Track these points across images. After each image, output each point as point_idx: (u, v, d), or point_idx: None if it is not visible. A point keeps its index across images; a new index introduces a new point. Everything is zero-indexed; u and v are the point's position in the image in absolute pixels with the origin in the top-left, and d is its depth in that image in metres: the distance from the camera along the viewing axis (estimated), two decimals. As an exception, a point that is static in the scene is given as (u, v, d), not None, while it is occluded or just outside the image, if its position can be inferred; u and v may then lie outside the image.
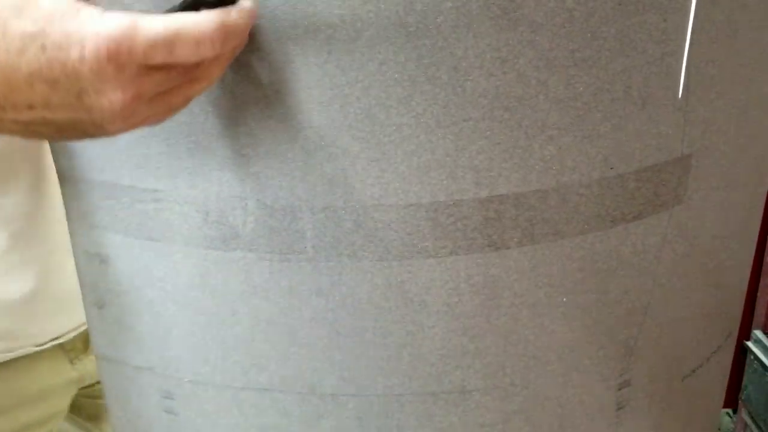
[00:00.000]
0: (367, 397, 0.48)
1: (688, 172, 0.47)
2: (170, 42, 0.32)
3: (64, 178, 0.52)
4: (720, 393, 0.70)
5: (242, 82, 0.40)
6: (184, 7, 0.34)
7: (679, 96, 0.44)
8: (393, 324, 0.45)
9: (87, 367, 0.83)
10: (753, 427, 1.27)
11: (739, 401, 1.34)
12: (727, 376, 0.72)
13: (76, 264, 0.57)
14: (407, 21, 0.37)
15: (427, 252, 0.43)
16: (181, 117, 0.42)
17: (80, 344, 0.82)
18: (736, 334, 0.67)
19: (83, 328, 0.81)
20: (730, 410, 1.48)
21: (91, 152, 0.48)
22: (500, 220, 0.42)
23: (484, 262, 0.44)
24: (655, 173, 0.45)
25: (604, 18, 0.39)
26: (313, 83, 0.39)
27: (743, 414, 1.32)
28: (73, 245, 0.56)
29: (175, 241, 0.47)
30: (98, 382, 0.84)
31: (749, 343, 1.28)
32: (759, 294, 1.29)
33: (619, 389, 0.53)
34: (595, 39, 0.39)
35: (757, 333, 1.28)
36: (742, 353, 1.29)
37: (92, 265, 0.54)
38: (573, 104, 0.40)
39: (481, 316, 0.45)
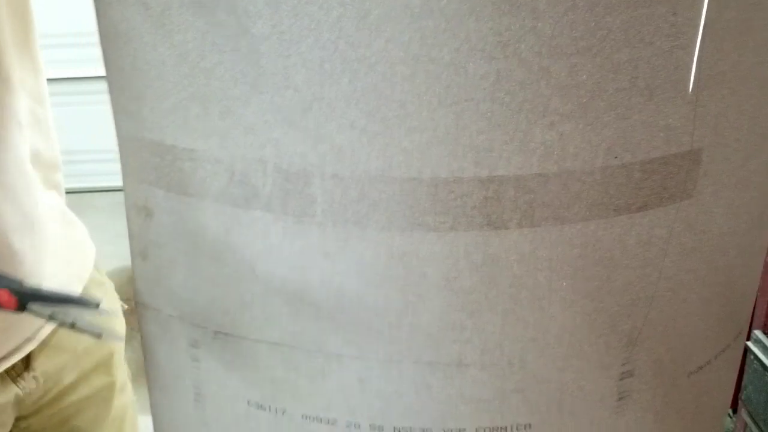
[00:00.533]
0: (368, 360, 0.51)
1: (698, 166, 0.47)
2: None
3: (121, 135, 0.57)
4: (728, 393, 0.69)
5: (265, 54, 0.43)
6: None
7: (690, 90, 0.44)
8: (394, 292, 0.48)
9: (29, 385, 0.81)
10: (753, 427, 1.24)
11: (739, 401, 1.30)
12: (735, 377, 0.70)
13: (127, 217, 0.63)
14: (412, 2, 0.39)
15: (427, 226, 0.45)
16: (215, 83, 0.46)
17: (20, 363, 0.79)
18: (745, 334, 0.66)
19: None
20: (730, 410, 1.45)
21: (144, 112, 0.53)
22: (499, 201, 0.44)
23: (483, 240, 0.45)
24: (662, 165, 0.46)
25: (609, 8, 0.40)
26: (325, 58, 0.42)
27: (743, 414, 1.29)
28: (126, 198, 0.62)
29: (206, 198, 0.51)
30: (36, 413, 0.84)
31: (749, 343, 1.25)
32: (759, 294, 1.25)
33: (621, 379, 0.53)
34: (599, 28, 0.40)
35: (757, 333, 1.25)
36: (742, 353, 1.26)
37: (139, 217, 0.59)
38: (576, 92, 0.41)
39: (480, 293, 0.47)
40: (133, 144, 0.56)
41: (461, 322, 0.48)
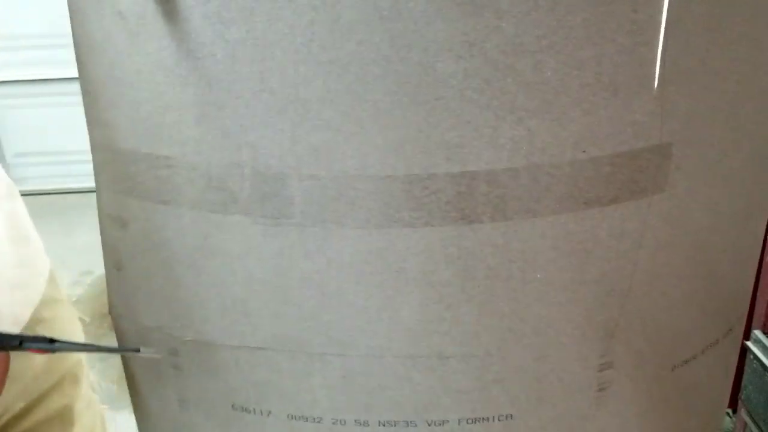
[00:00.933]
0: (351, 356, 0.52)
1: (668, 160, 0.49)
2: None
3: (95, 146, 0.58)
4: (722, 390, 0.70)
5: (240, 59, 0.45)
6: None
7: (655, 86, 0.46)
8: (373, 288, 0.49)
9: None
10: (753, 426, 1.25)
11: (739, 401, 1.32)
12: (731, 374, 0.72)
13: (101, 228, 0.63)
14: (381, 5, 0.40)
15: (403, 221, 0.46)
16: (190, 89, 0.47)
17: None
18: (739, 330, 0.68)
19: None
20: (729, 410, 1.46)
21: (119, 121, 0.54)
22: (472, 195, 0.46)
23: (458, 234, 0.47)
24: (631, 159, 0.47)
25: (570, 7, 0.41)
26: (300, 61, 0.43)
27: (743, 414, 1.30)
28: (99, 210, 0.62)
29: (182, 205, 0.51)
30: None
31: (749, 343, 1.26)
32: (759, 294, 1.27)
33: (600, 370, 0.55)
34: (561, 27, 0.42)
35: (757, 333, 1.26)
36: (741, 353, 1.27)
37: (113, 228, 0.59)
38: (541, 88, 0.43)
39: (456, 286, 0.48)
40: (107, 154, 0.57)
41: (439, 314, 0.50)
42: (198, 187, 0.50)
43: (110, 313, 0.63)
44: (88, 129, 0.59)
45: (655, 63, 0.45)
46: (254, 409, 0.57)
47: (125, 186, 0.55)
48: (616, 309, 0.53)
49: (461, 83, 0.42)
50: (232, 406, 0.58)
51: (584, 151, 0.46)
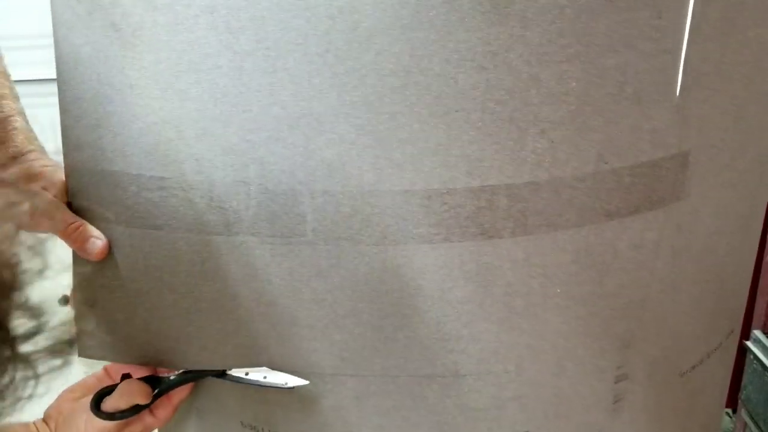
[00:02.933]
0: (365, 377, 0.50)
1: (686, 168, 0.48)
2: None
3: (73, 172, 0.52)
4: (722, 392, 0.70)
5: (248, 71, 0.42)
6: None
7: (677, 93, 0.45)
8: (389, 306, 0.47)
9: None
10: (752, 426, 1.26)
11: (739, 401, 1.32)
12: (730, 376, 0.71)
13: (74, 262, 0.54)
14: (402, 14, 0.38)
15: (421, 238, 0.45)
16: (191, 104, 0.45)
17: None
18: (738, 332, 0.67)
19: None
20: (729, 410, 1.47)
21: (104, 142, 0.49)
22: (492, 210, 0.44)
23: (477, 250, 0.45)
24: (651, 169, 0.46)
25: (594, 14, 0.40)
26: (314, 72, 0.41)
27: (743, 414, 1.30)
28: None
29: (177, 229, 0.48)
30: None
31: (748, 343, 1.26)
32: (759, 294, 1.27)
33: (616, 382, 0.54)
34: (585, 35, 0.40)
35: (757, 333, 1.27)
36: (741, 353, 1.28)
37: (87, 261, 0.53)
38: (565, 98, 0.42)
39: (474, 303, 0.47)
40: (87, 179, 0.51)
41: (456, 332, 0.48)
42: (197, 209, 0.47)
43: (79, 354, 0.56)
44: (64, 153, 0.52)
45: (678, 70, 0.44)
46: (262, 429, 0.55)
47: (108, 213, 0.51)
48: (634, 320, 0.51)
49: (483, 95, 0.41)
50: (242, 423, 0.56)
51: (606, 163, 0.44)
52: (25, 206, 0.51)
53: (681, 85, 0.44)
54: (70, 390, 0.56)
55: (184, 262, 0.49)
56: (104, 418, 0.51)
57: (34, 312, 0.36)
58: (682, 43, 0.43)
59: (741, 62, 0.48)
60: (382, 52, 0.39)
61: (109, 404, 0.52)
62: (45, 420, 0.55)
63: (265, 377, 0.51)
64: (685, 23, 0.42)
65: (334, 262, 0.46)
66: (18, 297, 0.35)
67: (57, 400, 0.56)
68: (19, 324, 0.35)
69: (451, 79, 0.40)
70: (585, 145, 0.43)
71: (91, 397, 0.53)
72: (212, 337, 0.51)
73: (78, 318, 0.56)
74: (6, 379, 0.34)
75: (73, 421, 0.53)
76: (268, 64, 0.42)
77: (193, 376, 0.54)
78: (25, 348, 0.35)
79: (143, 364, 0.55)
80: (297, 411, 0.53)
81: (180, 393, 0.55)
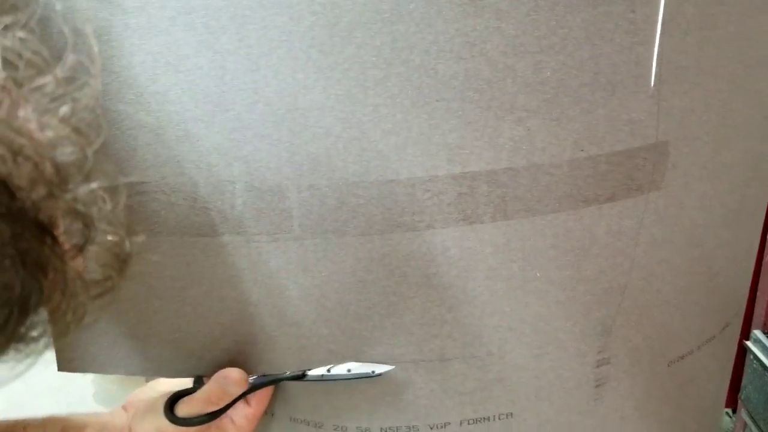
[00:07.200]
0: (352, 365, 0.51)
1: (665, 158, 0.50)
2: None
3: None
4: (718, 387, 0.71)
5: (230, 70, 0.43)
6: None
7: (651, 85, 0.46)
8: (375, 296, 0.48)
9: None
10: (752, 426, 1.28)
11: (739, 401, 1.34)
12: (729, 371, 0.73)
13: None
14: (381, 8, 0.40)
15: (406, 226, 0.46)
16: (170, 107, 0.45)
17: None
18: (737, 326, 0.69)
19: None
20: (729, 410, 1.49)
21: None
22: (473, 196, 0.45)
23: (460, 235, 0.47)
24: (628, 158, 0.48)
25: (570, 7, 0.42)
26: (298, 68, 0.42)
27: (743, 414, 1.32)
28: None
29: (159, 233, 0.48)
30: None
31: (748, 343, 1.28)
32: (759, 294, 1.29)
33: (598, 366, 0.55)
34: (560, 27, 0.42)
35: (757, 333, 1.28)
36: (741, 353, 1.30)
37: None
38: (541, 88, 0.43)
39: (458, 287, 0.48)
40: None
41: (441, 317, 0.49)
42: (180, 211, 0.47)
43: (59, 368, 0.54)
44: None
45: (652, 62, 0.46)
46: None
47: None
48: (614, 306, 0.53)
49: (462, 84, 0.42)
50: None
51: (582, 150, 0.46)
52: None
53: (656, 77, 0.46)
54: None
55: (168, 266, 0.49)
56: (180, 424, 0.50)
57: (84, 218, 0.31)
58: (656, 36, 0.45)
59: (723, 57, 0.50)
60: (364, 45, 0.41)
61: (193, 400, 0.51)
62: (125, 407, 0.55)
63: (349, 370, 0.51)
64: (657, 16, 0.44)
65: (321, 255, 0.47)
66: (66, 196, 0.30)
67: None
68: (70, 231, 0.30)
69: (431, 70, 0.41)
70: (561, 133, 0.45)
71: (165, 398, 0.52)
72: (198, 343, 0.51)
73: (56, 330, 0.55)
74: (57, 297, 0.29)
75: (146, 420, 0.52)
76: (251, 62, 0.42)
77: (270, 381, 0.53)
78: (76, 263, 0.30)
79: (128, 375, 0.53)
80: (291, 394, 0.54)
81: (262, 398, 0.53)
